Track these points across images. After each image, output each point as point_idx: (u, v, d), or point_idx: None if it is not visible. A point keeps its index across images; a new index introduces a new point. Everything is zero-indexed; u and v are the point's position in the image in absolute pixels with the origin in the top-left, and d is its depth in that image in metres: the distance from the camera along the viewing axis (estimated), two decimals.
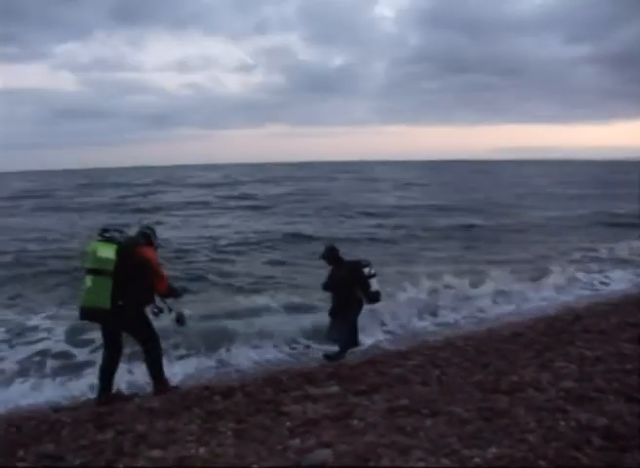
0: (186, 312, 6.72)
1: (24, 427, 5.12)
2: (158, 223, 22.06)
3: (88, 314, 5.92)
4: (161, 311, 6.35)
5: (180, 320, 6.42)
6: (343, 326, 8.00)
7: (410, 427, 4.35)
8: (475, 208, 30.51)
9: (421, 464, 3.66)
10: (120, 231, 6.28)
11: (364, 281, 7.93)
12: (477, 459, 3.67)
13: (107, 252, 5.85)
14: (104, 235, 6.05)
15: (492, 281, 11.78)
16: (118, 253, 5.87)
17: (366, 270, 8.01)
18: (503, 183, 56.02)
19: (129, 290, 5.90)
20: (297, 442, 4.24)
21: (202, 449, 4.22)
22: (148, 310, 6.29)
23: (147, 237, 6.47)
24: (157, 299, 6.32)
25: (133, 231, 6.63)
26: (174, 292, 6.39)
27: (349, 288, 7.91)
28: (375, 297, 8.10)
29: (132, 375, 6.99)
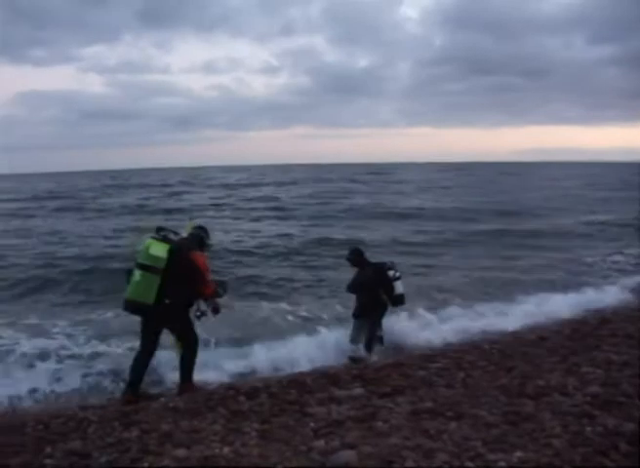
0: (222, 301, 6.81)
1: (52, 424, 5.19)
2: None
3: (131, 306, 6.11)
4: (204, 314, 6.52)
5: (215, 309, 6.58)
6: (367, 327, 8.01)
7: (434, 430, 4.35)
8: (504, 211, 29.94)
9: (446, 467, 3.66)
10: (175, 233, 6.42)
11: (388, 283, 7.94)
12: (502, 463, 3.66)
13: (160, 250, 6.01)
14: (160, 233, 6.22)
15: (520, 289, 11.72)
16: (170, 253, 6.02)
17: (391, 273, 8.02)
18: (531, 186, 55.06)
19: (175, 289, 6.07)
20: (321, 443, 4.25)
21: (226, 449, 4.25)
22: (192, 313, 6.45)
23: (200, 239, 6.60)
24: (201, 302, 6.49)
25: (186, 231, 6.74)
26: (218, 295, 6.54)
27: (374, 290, 7.92)
28: (399, 300, 8.10)
29: (157, 375, 7.06)
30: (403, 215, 28.49)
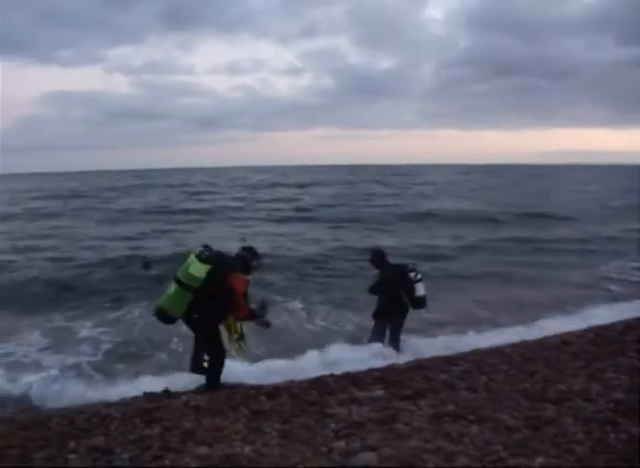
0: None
1: (76, 420, 5.24)
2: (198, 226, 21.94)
3: (160, 314, 6.26)
4: (242, 338, 6.73)
5: (264, 306, 6.74)
6: (389, 329, 8.02)
7: (455, 433, 4.34)
8: (536, 215, 29.24)
9: None
10: (221, 254, 6.45)
11: (410, 285, 7.93)
12: None
13: (199, 270, 6.08)
14: (205, 253, 6.24)
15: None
16: (209, 273, 6.08)
17: (412, 275, 8.01)
18: (561, 190, 53.68)
19: (206, 307, 6.17)
20: (341, 444, 4.26)
21: (247, 448, 4.27)
22: (231, 337, 6.63)
23: (243, 261, 6.61)
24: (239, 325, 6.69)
25: (234, 249, 6.85)
26: (254, 317, 6.60)
27: (395, 292, 7.92)
28: (420, 303, 8.09)
29: (180, 373, 7.11)
30: (439, 218, 28.09)
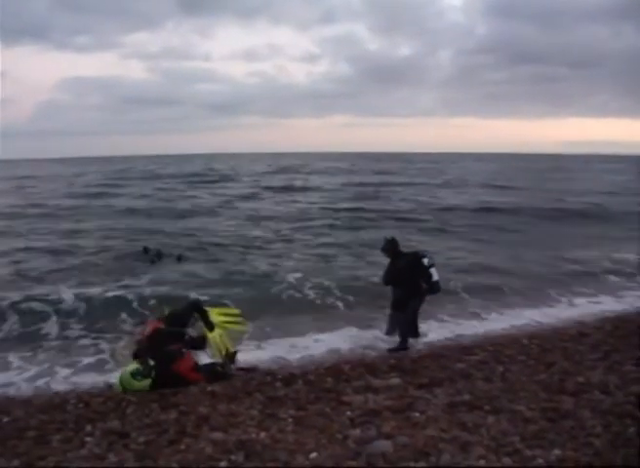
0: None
1: (92, 403, 5.31)
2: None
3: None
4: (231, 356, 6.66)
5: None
6: (404, 317, 8.00)
7: (471, 423, 4.33)
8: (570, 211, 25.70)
9: (482, 462, 3.64)
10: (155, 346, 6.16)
11: (425, 271, 7.91)
12: (540, 460, 3.63)
13: (142, 387, 5.80)
14: (140, 371, 5.88)
15: None
16: (153, 379, 5.86)
17: (425, 260, 7.98)
18: (586, 180, 49.97)
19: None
20: (357, 432, 4.27)
21: (262, 434, 4.30)
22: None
23: (178, 333, 6.40)
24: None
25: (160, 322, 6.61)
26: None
27: (413, 279, 7.89)
28: (437, 287, 8.08)
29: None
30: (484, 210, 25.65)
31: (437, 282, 8.01)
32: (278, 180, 45.45)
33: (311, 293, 11.03)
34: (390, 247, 8.24)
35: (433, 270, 7.96)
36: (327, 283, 11.57)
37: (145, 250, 15.48)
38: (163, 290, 11.16)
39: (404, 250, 8.26)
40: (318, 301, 10.60)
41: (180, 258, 15.00)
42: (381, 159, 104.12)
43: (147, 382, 5.83)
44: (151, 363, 5.95)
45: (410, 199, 30.97)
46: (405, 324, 8.01)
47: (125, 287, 11.32)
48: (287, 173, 58.22)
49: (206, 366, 6.32)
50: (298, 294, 11.05)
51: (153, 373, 5.86)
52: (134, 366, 5.94)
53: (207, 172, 60.62)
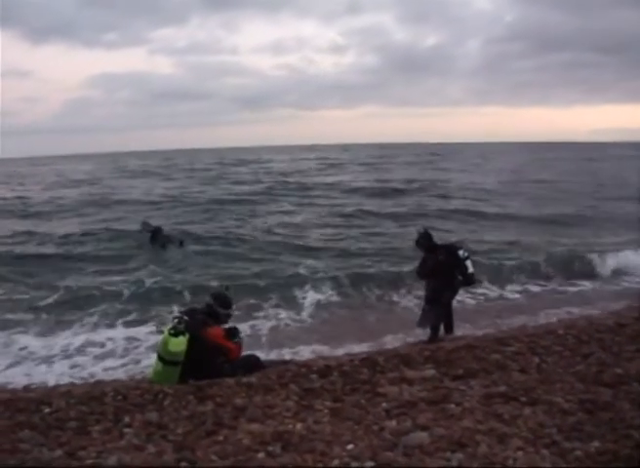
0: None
1: (130, 396, 5.37)
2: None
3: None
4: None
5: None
6: (437, 310, 7.99)
7: (508, 415, 4.31)
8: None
9: (520, 454, 3.62)
10: (192, 315, 6.39)
11: (462, 263, 7.87)
12: (578, 452, 3.60)
13: (178, 345, 5.99)
14: (177, 327, 6.12)
15: None
16: (189, 341, 6.03)
17: (460, 252, 7.94)
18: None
19: (198, 369, 6.09)
20: (393, 423, 4.28)
21: (299, 425, 4.34)
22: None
23: (212, 313, 6.53)
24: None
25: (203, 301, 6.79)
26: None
27: (449, 272, 7.86)
28: (472, 279, 8.04)
29: None
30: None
31: (472, 274, 7.98)
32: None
33: None
34: (425, 240, 8.21)
35: (469, 262, 7.93)
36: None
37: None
38: None
39: (438, 242, 8.25)
40: None
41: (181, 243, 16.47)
42: (435, 150, 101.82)
43: (184, 339, 6.01)
44: (185, 318, 6.22)
45: None
46: (437, 316, 7.99)
47: None
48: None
49: (233, 332, 6.51)
50: None
51: (187, 335, 6.04)
52: (171, 325, 6.21)
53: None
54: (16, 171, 68.93)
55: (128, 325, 9.94)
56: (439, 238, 8.53)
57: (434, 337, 7.89)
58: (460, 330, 8.48)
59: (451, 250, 8.03)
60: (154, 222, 18.55)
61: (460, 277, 7.90)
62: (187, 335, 6.06)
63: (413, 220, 20.89)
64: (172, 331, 6.08)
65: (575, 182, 35.57)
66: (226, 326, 6.50)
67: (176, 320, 6.25)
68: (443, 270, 7.86)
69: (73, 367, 7.98)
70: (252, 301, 11.12)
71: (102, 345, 8.92)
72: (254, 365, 6.41)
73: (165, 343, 6.05)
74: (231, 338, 6.37)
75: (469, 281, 8.03)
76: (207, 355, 6.10)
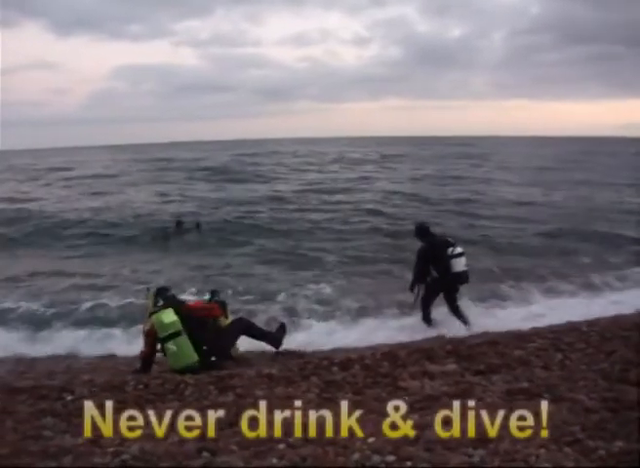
0: None
1: (151, 385, 5.42)
2: None
3: (182, 372, 6.26)
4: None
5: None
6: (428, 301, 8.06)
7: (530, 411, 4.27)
8: None
9: (542, 451, 3.59)
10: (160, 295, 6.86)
11: (445, 260, 7.85)
12: (602, 452, 3.55)
13: (169, 316, 6.37)
14: (157, 305, 6.65)
15: None
16: (176, 314, 6.42)
17: (449, 250, 7.89)
18: None
19: (200, 334, 6.48)
20: (415, 417, 4.26)
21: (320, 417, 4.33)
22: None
23: (173, 299, 6.91)
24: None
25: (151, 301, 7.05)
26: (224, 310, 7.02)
27: (427, 264, 7.94)
28: (456, 278, 8.01)
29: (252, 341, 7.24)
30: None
31: (459, 273, 7.92)
32: None
33: None
34: (417, 231, 8.27)
35: (456, 261, 7.87)
36: None
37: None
38: None
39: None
40: None
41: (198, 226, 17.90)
42: (469, 143, 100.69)
43: (170, 310, 6.46)
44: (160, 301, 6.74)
45: None
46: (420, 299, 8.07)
47: None
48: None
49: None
50: None
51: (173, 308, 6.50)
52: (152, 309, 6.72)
53: None
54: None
55: None
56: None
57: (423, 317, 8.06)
58: (482, 326, 8.42)
59: (435, 243, 8.02)
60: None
61: (435, 273, 7.89)
62: (171, 309, 6.47)
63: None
64: (156, 310, 6.51)
65: None
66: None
67: (157, 302, 6.73)
68: (423, 261, 7.92)
69: None
70: None
71: None
72: (245, 327, 6.71)
73: (159, 321, 6.33)
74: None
75: (455, 279, 7.94)
76: (199, 324, 6.50)
